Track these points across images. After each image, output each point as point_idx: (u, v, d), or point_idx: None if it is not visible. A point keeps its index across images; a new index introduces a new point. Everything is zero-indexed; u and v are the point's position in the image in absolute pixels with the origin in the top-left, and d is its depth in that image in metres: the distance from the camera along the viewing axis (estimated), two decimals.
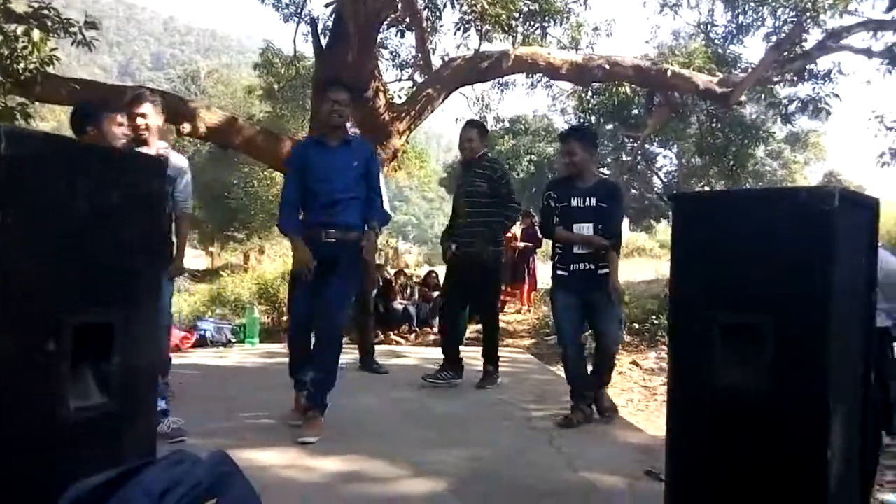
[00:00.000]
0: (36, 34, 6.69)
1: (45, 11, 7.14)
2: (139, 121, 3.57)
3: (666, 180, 28.36)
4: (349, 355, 5.27)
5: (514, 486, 2.75)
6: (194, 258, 29.85)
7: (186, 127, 8.20)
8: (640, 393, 6.08)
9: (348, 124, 3.90)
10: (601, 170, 26.67)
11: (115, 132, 3.36)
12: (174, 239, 3.75)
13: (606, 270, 3.78)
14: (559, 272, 3.88)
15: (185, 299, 12.83)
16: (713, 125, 12.05)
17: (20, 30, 6.68)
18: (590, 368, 4.01)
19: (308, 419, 3.42)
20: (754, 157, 15.39)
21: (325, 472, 2.89)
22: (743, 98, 10.24)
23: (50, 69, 7.30)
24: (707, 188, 21.55)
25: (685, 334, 1.90)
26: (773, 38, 10.08)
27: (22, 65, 6.81)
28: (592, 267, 3.77)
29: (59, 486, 1.27)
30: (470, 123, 5.09)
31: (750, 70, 9.98)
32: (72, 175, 1.38)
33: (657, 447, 2.84)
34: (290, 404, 3.77)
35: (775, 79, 10.22)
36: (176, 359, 5.76)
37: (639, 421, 4.66)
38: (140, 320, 1.58)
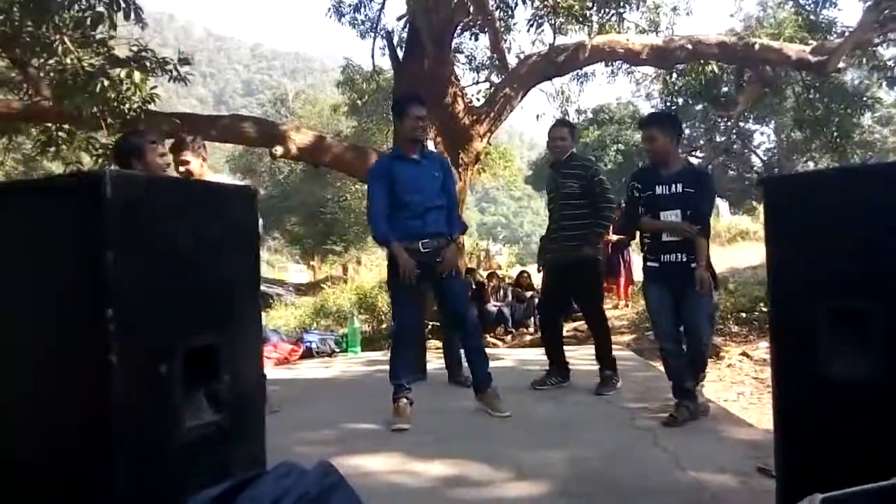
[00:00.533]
0: (137, 76, 7.22)
1: (144, 53, 7.69)
2: (181, 168, 3.86)
3: (765, 158, 26.98)
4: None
5: (620, 487, 2.70)
6: (297, 273, 31.15)
7: (279, 150, 8.59)
8: (751, 385, 5.80)
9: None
10: (695, 153, 25.74)
11: (158, 163, 3.42)
12: None
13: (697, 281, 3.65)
14: (650, 264, 3.79)
15: (291, 312, 13.43)
16: (811, 96, 11.33)
17: (123, 73, 7.23)
18: None
19: (491, 397, 3.98)
20: (860, 127, 14.37)
21: (429, 476, 2.94)
22: (842, 65, 9.59)
23: (151, 106, 7.85)
24: (810, 164, 20.32)
25: (787, 324, 1.81)
26: None
27: (126, 105, 7.36)
28: (684, 258, 3.64)
29: (178, 499, 1.37)
30: (560, 122, 5.04)
31: (847, 34, 9.33)
32: (174, 212, 1.49)
33: (770, 443, 2.70)
34: (391, 409, 3.86)
35: (877, 40, 9.51)
36: (284, 371, 6.03)
37: (751, 415, 4.44)
38: (244, 341, 1.69)
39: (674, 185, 3.68)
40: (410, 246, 3.71)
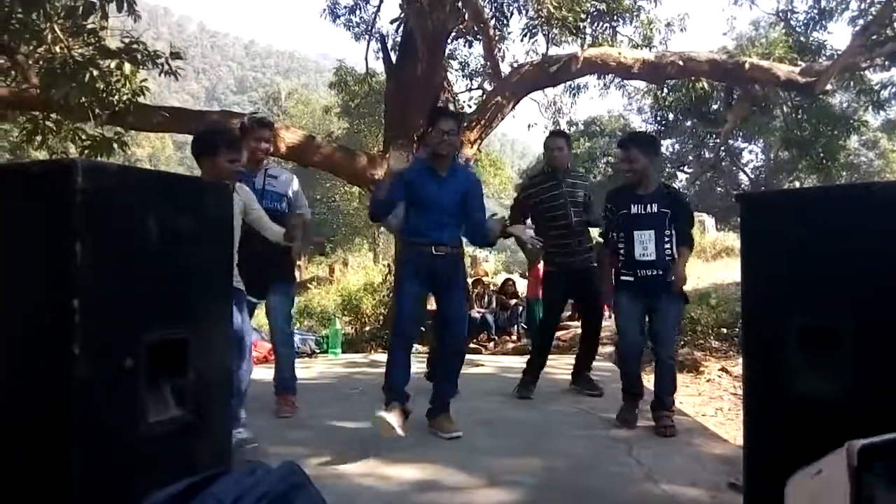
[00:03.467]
0: (127, 67, 7.15)
1: (136, 46, 7.62)
2: (263, 144, 4.04)
3: (753, 176, 27.24)
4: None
5: (591, 497, 2.70)
6: None
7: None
8: (729, 401, 5.82)
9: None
10: (683, 168, 25.93)
11: (226, 167, 3.33)
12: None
13: (672, 278, 3.74)
14: (624, 277, 3.85)
15: None
16: (799, 117, 11.45)
17: (113, 64, 7.16)
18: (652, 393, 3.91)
19: (442, 420, 3.71)
20: (846, 149, 14.53)
21: (401, 480, 2.93)
22: (830, 87, 9.70)
23: (141, 99, 7.78)
24: (797, 183, 20.52)
25: (758, 340, 1.82)
26: (860, 22, 9.52)
27: (116, 97, 7.29)
28: (659, 273, 3.73)
29: (139, 495, 1.35)
30: (556, 133, 5.13)
31: (836, 57, 9.45)
32: (145, 203, 1.48)
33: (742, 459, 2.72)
34: (368, 413, 3.80)
35: (864, 64, 9.63)
36: (263, 370, 5.98)
37: (727, 431, 4.46)
38: (212, 336, 1.67)
39: (649, 206, 3.77)
40: (424, 248, 3.66)
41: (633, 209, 3.80)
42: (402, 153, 3.70)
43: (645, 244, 3.74)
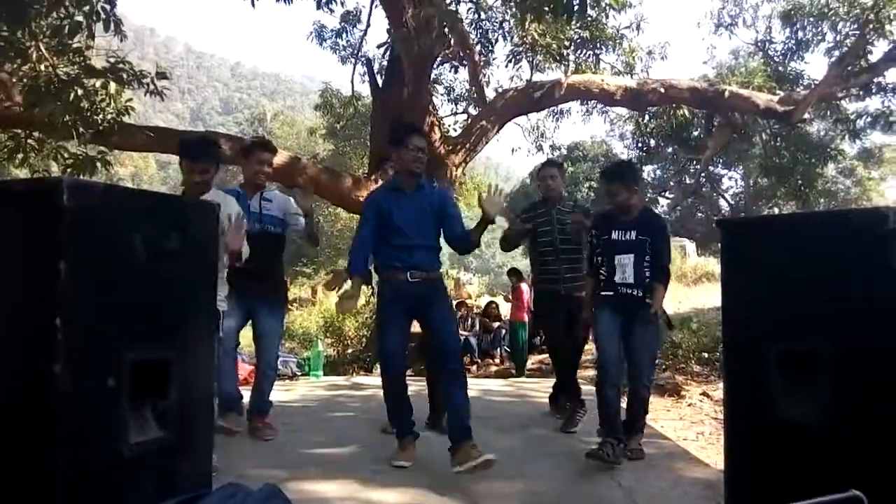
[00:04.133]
0: (112, 87, 7.15)
1: (121, 65, 7.62)
2: (266, 167, 4.11)
3: (733, 202, 27.60)
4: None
5: None
6: None
7: None
8: (710, 425, 5.84)
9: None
10: (664, 193, 26.23)
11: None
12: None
13: (650, 300, 3.79)
14: (604, 293, 3.90)
15: None
16: (777, 144, 11.70)
17: (98, 83, 7.15)
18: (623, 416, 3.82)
19: (468, 449, 3.28)
20: (823, 176, 14.83)
21: (384, 503, 2.90)
22: (807, 115, 9.93)
23: (126, 119, 7.75)
24: (776, 209, 20.81)
25: (739, 364, 1.84)
26: (836, 53, 9.78)
27: (100, 116, 7.26)
28: (639, 293, 3.79)
29: None
30: (550, 163, 5.07)
31: (813, 87, 9.68)
32: (129, 222, 1.48)
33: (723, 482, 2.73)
34: (350, 436, 3.78)
35: (840, 94, 9.88)
36: (243, 391, 5.90)
37: (709, 455, 4.47)
38: (195, 356, 1.66)
39: (629, 232, 3.85)
40: (397, 277, 3.56)
41: (614, 234, 3.88)
42: (344, 294, 3.67)
43: (624, 268, 3.81)
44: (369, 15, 11.03)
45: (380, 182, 3.72)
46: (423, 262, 3.59)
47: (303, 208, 4.11)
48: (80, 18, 6.98)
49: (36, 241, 1.38)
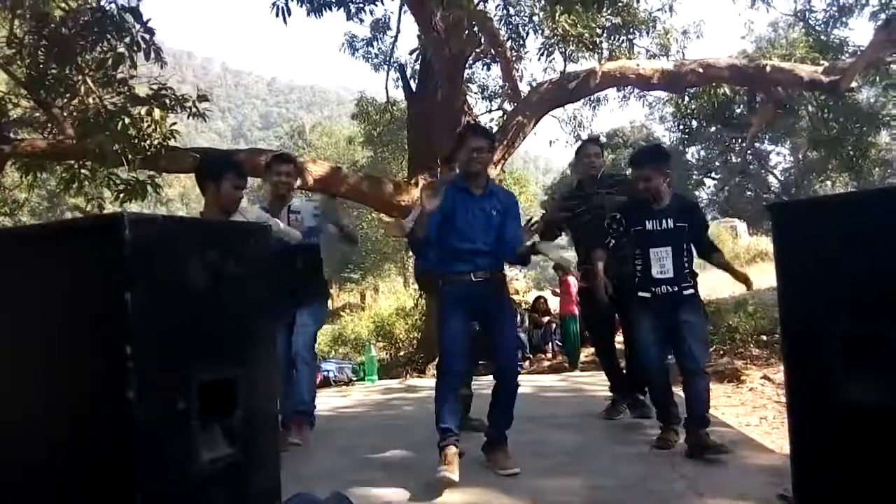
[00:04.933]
0: (157, 113, 7.41)
1: (164, 91, 7.89)
2: (284, 178, 4.13)
3: (783, 178, 26.82)
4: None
5: None
6: None
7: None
8: (773, 409, 5.70)
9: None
10: (710, 175, 25.65)
11: (232, 194, 3.53)
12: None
13: (692, 290, 3.63)
14: (641, 294, 3.67)
15: None
16: (825, 116, 11.32)
17: (143, 111, 7.42)
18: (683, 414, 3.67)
19: (499, 456, 3.43)
20: (877, 145, 14.28)
21: None
22: (855, 84, 9.58)
23: (171, 142, 8.02)
24: (828, 182, 20.13)
25: (800, 351, 1.81)
26: (882, 16, 9.40)
27: (147, 142, 7.54)
28: (676, 289, 3.59)
29: None
30: (590, 140, 4.99)
31: (859, 53, 9.34)
32: (190, 250, 1.54)
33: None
34: (410, 438, 3.77)
35: (889, 58, 9.49)
36: None
37: (773, 441, 4.37)
38: (259, 374, 1.72)
39: (665, 221, 3.62)
40: (461, 277, 3.47)
41: (648, 225, 3.65)
42: (433, 192, 3.50)
43: (662, 261, 3.59)
44: (398, 21, 11.14)
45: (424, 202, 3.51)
46: (489, 262, 3.51)
47: (334, 222, 4.19)
48: (122, 50, 7.27)
49: (102, 273, 1.45)
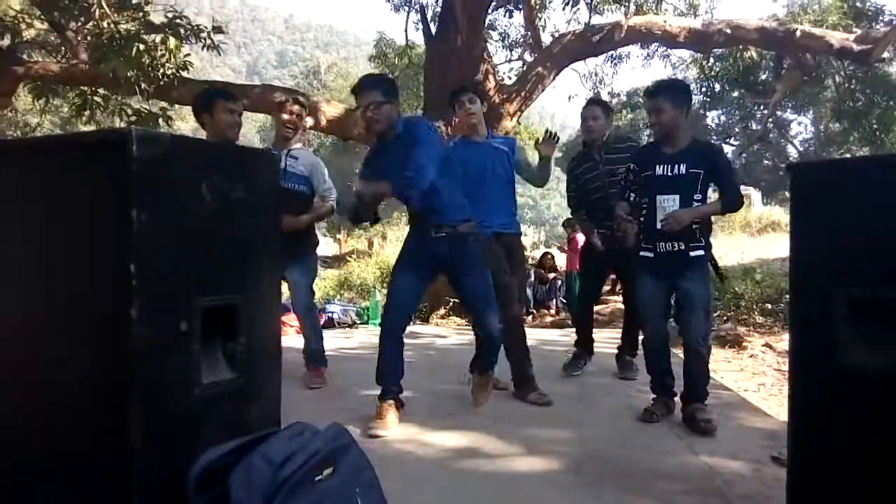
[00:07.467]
0: (171, 42, 7.30)
1: (179, 20, 7.76)
2: (293, 119, 4.12)
3: (802, 149, 26.40)
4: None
5: (630, 469, 2.71)
6: (325, 246, 31.41)
7: (309, 121, 8.62)
8: (772, 377, 5.73)
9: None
10: (729, 140, 25.26)
11: (224, 119, 3.62)
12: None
13: (700, 252, 3.24)
14: (644, 254, 3.34)
15: (316, 283, 13.54)
16: (852, 87, 11.04)
17: (158, 38, 7.31)
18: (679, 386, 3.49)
19: (477, 384, 3.72)
20: None
21: (441, 447, 2.98)
22: (887, 55, 9.30)
23: (185, 74, 7.93)
24: (847, 156, 19.78)
25: (805, 312, 1.79)
26: None
27: (161, 71, 7.44)
28: (682, 247, 3.22)
29: (194, 452, 1.42)
30: (592, 101, 4.68)
31: (894, 23, 9.04)
32: (197, 172, 1.52)
33: (786, 433, 2.68)
34: (408, 382, 3.77)
35: None
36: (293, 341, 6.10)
37: (770, 406, 4.40)
38: (262, 302, 1.72)
39: (676, 166, 3.21)
40: (425, 229, 3.33)
41: (658, 170, 3.25)
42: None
43: (667, 211, 3.19)
44: None
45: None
46: (460, 218, 3.35)
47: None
48: None
49: (108, 190, 1.43)
